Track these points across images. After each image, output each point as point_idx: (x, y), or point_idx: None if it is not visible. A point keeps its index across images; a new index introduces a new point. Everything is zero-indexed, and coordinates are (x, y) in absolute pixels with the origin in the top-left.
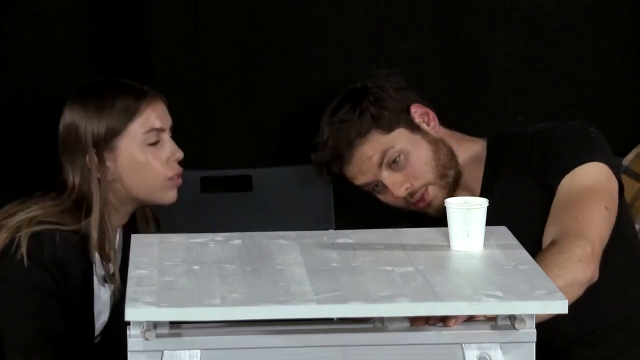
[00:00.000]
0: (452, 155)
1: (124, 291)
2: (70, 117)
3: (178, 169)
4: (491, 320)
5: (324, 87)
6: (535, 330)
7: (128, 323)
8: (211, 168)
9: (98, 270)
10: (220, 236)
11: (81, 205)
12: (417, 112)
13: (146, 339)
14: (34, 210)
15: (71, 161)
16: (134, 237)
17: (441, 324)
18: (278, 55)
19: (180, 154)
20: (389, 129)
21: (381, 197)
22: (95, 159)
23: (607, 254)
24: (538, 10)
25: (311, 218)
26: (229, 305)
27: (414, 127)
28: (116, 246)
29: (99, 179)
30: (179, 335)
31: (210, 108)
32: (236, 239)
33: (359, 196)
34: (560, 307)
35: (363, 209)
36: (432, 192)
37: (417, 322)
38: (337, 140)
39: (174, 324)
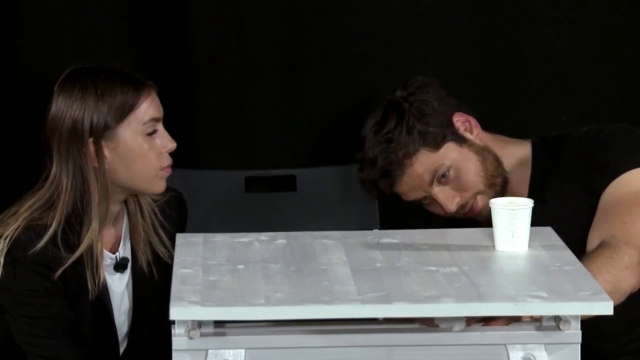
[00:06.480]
0: (498, 162)
1: (147, 275)
2: (63, 104)
3: (170, 159)
4: (536, 321)
5: (367, 86)
6: (580, 332)
7: (173, 322)
8: (255, 168)
9: (106, 260)
10: (264, 235)
11: (59, 198)
12: (459, 121)
13: (190, 338)
14: (21, 214)
15: (61, 151)
16: (179, 237)
17: (479, 324)
18: (321, 54)
19: (173, 145)
20: (437, 145)
21: (430, 208)
22: (92, 147)
23: None
24: (581, 10)
25: (355, 218)
26: (273, 304)
27: (460, 139)
28: (122, 233)
29: (94, 168)
30: (223, 334)
31: (254, 108)
32: (280, 239)
33: None
34: (605, 308)
35: (407, 208)
36: (481, 201)
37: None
38: (385, 160)
39: (218, 323)
